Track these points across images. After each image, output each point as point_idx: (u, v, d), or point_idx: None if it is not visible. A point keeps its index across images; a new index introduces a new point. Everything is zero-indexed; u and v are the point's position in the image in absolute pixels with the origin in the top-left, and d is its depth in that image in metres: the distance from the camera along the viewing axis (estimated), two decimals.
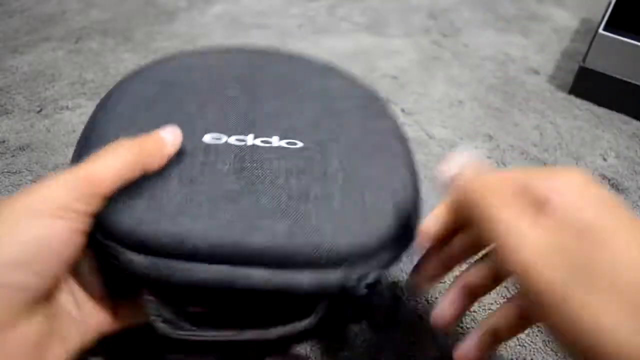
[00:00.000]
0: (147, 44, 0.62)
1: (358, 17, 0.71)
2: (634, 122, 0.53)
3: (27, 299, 0.23)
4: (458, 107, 0.55)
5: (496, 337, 0.25)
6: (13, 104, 0.52)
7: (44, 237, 0.23)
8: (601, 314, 0.18)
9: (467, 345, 0.25)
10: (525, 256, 0.20)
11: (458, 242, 0.27)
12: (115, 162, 0.25)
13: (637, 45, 0.50)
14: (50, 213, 0.23)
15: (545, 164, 0.48)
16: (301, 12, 0.72)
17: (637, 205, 0.44)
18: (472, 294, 0.26)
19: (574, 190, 0.21)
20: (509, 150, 0.49)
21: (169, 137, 0.27)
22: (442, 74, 0.60)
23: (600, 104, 0.55)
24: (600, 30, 0.52)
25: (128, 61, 0.59)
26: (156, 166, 0.27)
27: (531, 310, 0.21)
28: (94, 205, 0.24)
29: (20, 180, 0.43)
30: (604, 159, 0.49)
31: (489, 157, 0.48)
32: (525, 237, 0.20)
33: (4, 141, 0.47)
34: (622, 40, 0.50)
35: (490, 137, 0.51)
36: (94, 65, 0.58)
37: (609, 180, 0.46)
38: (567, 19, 0.71)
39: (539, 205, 0.21)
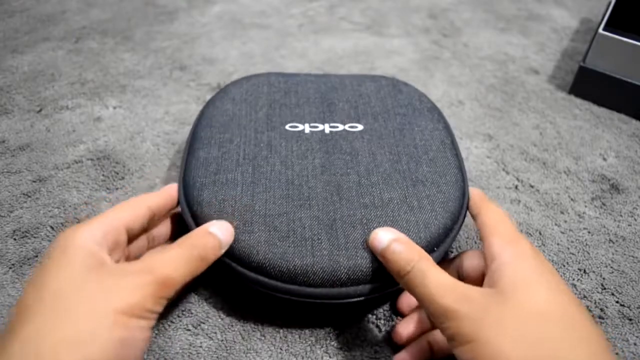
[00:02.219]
0: (147, 44, 0.62)
1: (358, 17, 0.71)
2: (634, 122, 0.53)
3: None
4: (458, 107, 0.55)
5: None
6: (13, 103, 0.52)
7: (126, 338, 0.24)
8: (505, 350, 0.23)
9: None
10: (444, 311, 0.25)
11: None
12: (185, 268, 0.27)
13: (637, 45, 0.50)
14: (132, 314, 0.24)
15: (545, 163, 0.48)
16: (301, 12, 0.72)
17: (637, 205, 0.44)
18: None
19: (516, 256, 0.28)
20: (509, 150, 0.49)
21: (222, 236, 0.31)
22: (442, 73, 0.60)
23: (600, 103, 0.55)
24: (600, 30, 0.52)
25: (128, 61, 0.59)
26: (209, 264, 0.30)
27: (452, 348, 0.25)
28: (164, 305, 0.26)
29: (20, 180, 0.43)
30: (604, 159, 0.49)
31: (489, 157, 0.48)
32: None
33: (4, 141, 0.47)
34: (622, 40, 0.50)
35: (490, 137, 0.51)
36: (94, 65, 0.58)
37: (609, 180, 0.46)
38: (567, 19, 0.71)
39: (489, 260, 0.28)
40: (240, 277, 0.32)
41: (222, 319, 0.35)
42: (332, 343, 0.33)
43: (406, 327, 0.32)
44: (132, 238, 0.31)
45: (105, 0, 0.72)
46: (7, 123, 0.49)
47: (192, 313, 0.35)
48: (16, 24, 0.65)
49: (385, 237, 0.30)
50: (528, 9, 0.74)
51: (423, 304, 0.27)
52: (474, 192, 0.35)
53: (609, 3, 0.57)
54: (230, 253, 0.32)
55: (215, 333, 0.34)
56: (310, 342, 0.33)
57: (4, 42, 0.61)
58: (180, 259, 0.28)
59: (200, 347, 0.33)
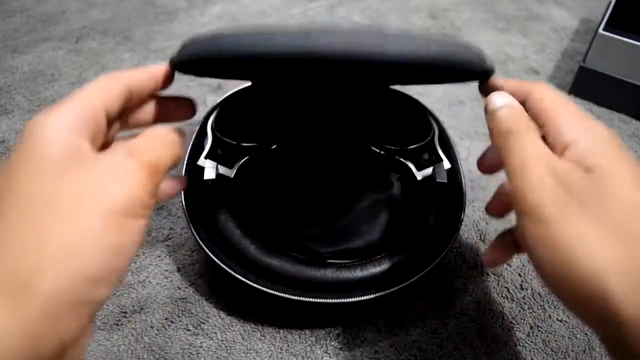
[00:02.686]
0: (147, 44, 0.62)
1: (358, 17, 0.71)
2: (634, 122, 0.53)
3: (98, 310, 0.21)
4: (458, 107, 0.55)
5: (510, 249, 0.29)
6: (13, 104, 0.52)
7: (120, 243, 0.20)
8: (590, 235, 0.20)
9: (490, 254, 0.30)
10: (530, 183, 0.22)
11: None
12: (171, 154, 0.24)
13: (637, 45, 0.50)
14: (131, 214, 0.20)
15: None
16: (301, 12, 0.72)
17: None
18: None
19: (596, 141, 0.22)
20: None
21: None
22: None
23: (600, 104, 0.55)
24: (600, 30, 0.51)
25: (128, 61, 0.59)
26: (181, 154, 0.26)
27: (524, 233, 0.22)
28: (154, 203, 0.22)
29: None
30: None
31: None
32: (535, 170, 0.22)
33: (4, 141, 0.47)
34: (622, 40, 0.50)
35: None
36: (94, 65, 0.58)
37: None
38: (567, 19, 0.71)
39: (561, 149, 0.23)
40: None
41: (222, 319, 0.35)
42: (332, 343, 0.33)
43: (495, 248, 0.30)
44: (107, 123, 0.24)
45: (105, 0, 0.72)
46: (7, 123, 0.49)
47: (192, 313, 0.35)
48: (16, 24, 0.65)
49: (501, 100, 0.26)
50: (528, 9, 0.74)
51: (510, 164, 0.23)
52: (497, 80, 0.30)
53: (609, 3, 0.57)
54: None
55: (215, 333, 0.34)
56: (310, 342, 0.33)
57: (4, 42, 0.61)
58: (159, 139, 0.24)
59: (200, 347, 0.33)
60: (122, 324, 0.34)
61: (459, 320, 0.35)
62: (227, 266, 0.32)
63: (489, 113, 0.27)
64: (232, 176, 0.37)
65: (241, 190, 0.39)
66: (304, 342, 0.33)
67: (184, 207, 0.35)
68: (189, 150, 0.40)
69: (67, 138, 0.21)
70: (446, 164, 0.39)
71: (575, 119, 0.24)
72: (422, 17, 0.71)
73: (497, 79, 0.30)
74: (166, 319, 0.34)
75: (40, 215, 0.19)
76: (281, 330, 0.34)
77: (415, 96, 0.46)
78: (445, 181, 0.38)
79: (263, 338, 0.34)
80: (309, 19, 0.70)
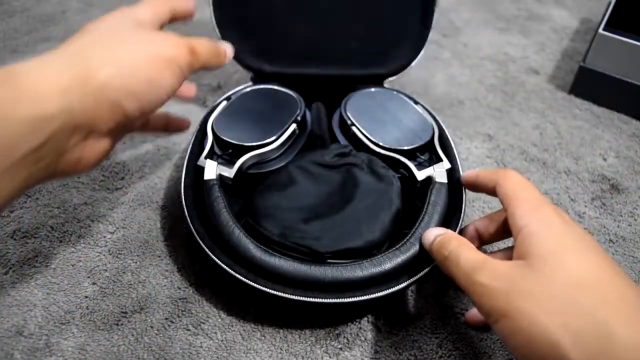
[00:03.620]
0: None
1: None
2: (634, 122, 0.53)
3: (123, 125, 0.28)
4: (458, 107, 0.55)
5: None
6: None
7: (159, 82, 0.28)
8: (540, 317, 0.23)
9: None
10: (479, 291, 0.26)
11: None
12: (206, 50, 0.32)
13: (637, 45, 0.50)
14: (168, 63, 0.28)
15: (545, 163, 0.48)
16: None
17: (637, 205, 0.44)
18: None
19: (543, 226, 0.26)
20: (509, 150, 0.49)
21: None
22: (442, 73, 0.60)
23: (600, 103, 0.55)
24: (600, 30, 0.51)
25: None
26: (220, 64, 0.34)
27: (496, 332, 0.26)
28: (184, 79, 0.30)
29: None
30: (604, 159, 0.49)
31: (489, 157, 0.48)
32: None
33: None
34: (622, 40, 0.50)
35: (490, 137, 0.51)
36: None
37: (609, 180, 0.46)
38: (567, 19, 0.71)
39: (516, 232, 0.28)
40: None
41: (222, 319, 0.35)
42: (332, 343, 0.33)
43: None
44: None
45: (105, 0, 0.72)
46: None
47: (192, 313, 0.35)
48: (16, 24, 0.65)
49: (432, 234, 0.32)
50: (528, 9, 0.74)
51: (460, 285, 0.27)
52: (472, 173, 0.35)
53: (609, 3, 0.57)
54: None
55: (215, 333, 0.34)
56: (310, 342, 0.33)
57: (4, 42, 0.61)
58: (206, 42, 0.32)
59: (200, 347, 0.33)
60: (122, 324, 0.34)
61: (459, 320, 0.35)
62: (227, 266, 0.32)
63: (428, 249, 0.31)
64: (232, 176, 0.37)
65: (241, 190, 0.39)
66: (304, 342, 0.33)
67: (184, 207, 0.35)
68: (189, 151, 0.40)
69: (141, 18, 0.30)
70: (446, 164, 0.39)
71: (528, 204, 0.27)
72: None
73: (469, 173, 0.35)
74: (166, 319, 0.34)
75: (115, 39, 0.28)
76: (281, 330, 0.34)
77: (415, 96, 0.47)
78: (446, 181, 0.38)
79: (263, 338, 0.34)
80: None
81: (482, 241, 0.34)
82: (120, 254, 0.39)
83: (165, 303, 0.35)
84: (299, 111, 0.43)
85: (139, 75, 0.27)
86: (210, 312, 0.35)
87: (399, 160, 0.40)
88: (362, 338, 0.34)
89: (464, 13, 0.72)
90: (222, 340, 0.33)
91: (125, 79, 0.26)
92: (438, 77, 0.59)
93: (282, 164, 0.40)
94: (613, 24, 0.52)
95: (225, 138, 0.39)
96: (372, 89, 0.47)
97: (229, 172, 0.37)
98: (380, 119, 0.43)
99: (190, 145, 0.40)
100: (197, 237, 0.34)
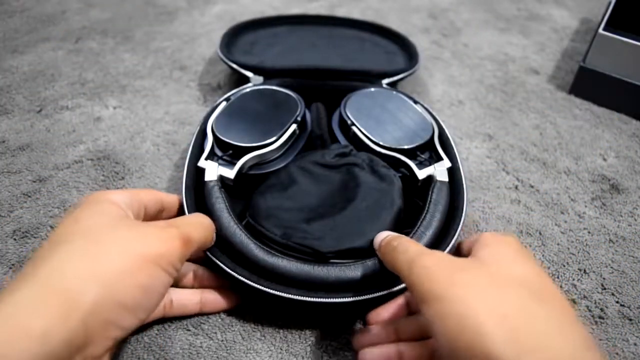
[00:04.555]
0: (147, 44, 0.62)
1: (358, 17, 0.71)
2: (634, 122, 0.53)
3: (121, 337, 0.25)
4: (458, 107, 0.55)
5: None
6: (13, 104, 0.52)
7: (149, 286, 0.25)
8: (472, 302, 0.23)
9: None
10: (420, 272, 0.26)
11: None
12: (202, 232, 0.30)
13: (637, 45, 0.50)
14: (159, 264, 0.25)
15: (545, 163, 0.48)
16: (301, 12, 0.72)
17: (637, 205, 0.44)
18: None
19: (494, 242, 0.28)
20: (509, 150, 0.49)
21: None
22: (442, 73, 0.60)
23: (600, 103, 0.55)
24: (600, 30, 0.51)
25: (128, 61, 0.59)
26: (212, 240, 0.32)
27: (425, 317, 0.25)
28: (180, 268, 0.28)
29: (20, 180, 0.43)
30: (604, 159, 0.49)
31: (489, 157, 0.48)
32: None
33: (4, 141, 0.47)
34: (622, 40, 0.50)
35: (490, 137, 0.51)
36: (94, 65, 0.58)
37: (609, 180, 0.46)
38: (567, 19, 0.71)
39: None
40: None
41: (222, 319, 0.34)
42: (332, 343, 0.33)
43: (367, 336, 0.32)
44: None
45: (105, 0, 0.72)
46: (7, 123, 0.49)
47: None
48: (16, 24, 0.65)
49: (383, 234, 0.33)
50: (528, 9, 0.74)
51: (402, 270, 0.27)
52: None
53: (609, 3, 0.57)
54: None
55: (215, 333, 0.34)
56: (310, 342, 0.33)
57: (4, 42, 0.61)
58: (198, 223, 0.30)
59: (200, 347, 0.33)
60: None
61: None
62: (229, 268, 0.32)
63: (378, 250, 0.32)
64: (232, 177, 0.37)
65: (242, 190, 0.39)
66: (304, 342, 0.33)
67: (185, 208, 0.35)
68: (189, 151, 0.40)
69: (121, 206, 0.28)
70: (447, 163, 0.39)
71: (489, 240, 0.28)
72: (422, 17, 0.71)
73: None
74: (166, 319, 0.34)
75: (94, 244, 0.24)
76: (281, 330, 0.34)
77: (414, 96, 0.47)
78: (447, 180, 0.38)
79: (263, 338, 0.34)
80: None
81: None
82: None
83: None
84: (298, 111, 0.43)
85: (128, 286, 0.24)
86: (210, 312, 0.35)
87: (399, 159, 0.40)
88: None
89: (464, 13, 0.72)
90: (222, 340, 0.33)
91: (115, 294, 0.23)
92: (438, 77, 0.59)
93: (282, 164, 0.40)
94: (613, 24, 0.52)
95: (225, 139, 0.39)
96: (372, 89, 0.47)
97: (230, 173, 0.37)
98: (380, 118, 0.43)
99: (191, 146, 0.40)
100: None
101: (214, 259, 0.33)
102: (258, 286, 0.31)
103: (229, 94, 0.46)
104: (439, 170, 0.38)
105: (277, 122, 0.42)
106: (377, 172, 0.38)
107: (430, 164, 0.39)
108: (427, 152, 0.41)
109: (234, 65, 0.51)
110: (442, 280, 0.24)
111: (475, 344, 0.21)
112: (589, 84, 0.54)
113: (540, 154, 0.49)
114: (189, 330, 0.34)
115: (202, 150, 0.39)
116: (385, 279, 0.32)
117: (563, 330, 0.22)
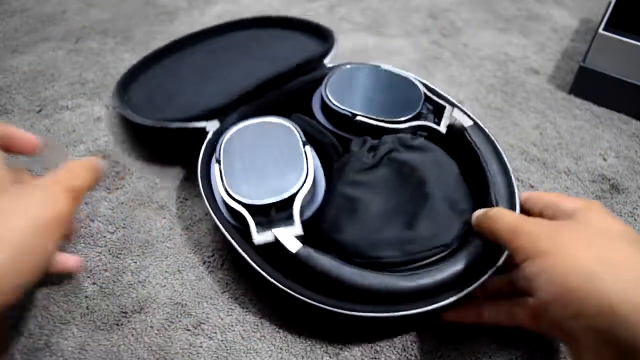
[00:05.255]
0: (147, 44, 0.62)
1: (358, 17, 0.71)
2: (634, 122, 0.53)
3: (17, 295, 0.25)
4: None
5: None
6: (13, 104, 0.52)
7: (49, 250, 0.26)
8: (577, 252, 0.26)
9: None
10: (524, 235, 0.28)
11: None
12: (88, 180, 0.30)
13: (637, 45, 0.50)
14: (55, 231, 0.26)
15: (545, 163, 0.48)
16: (301, 12, 0.72)
17: (637, 205, 0.44)
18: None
19: (580, 203, 0.31)
20: (509, 150, 0.49)
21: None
22: (442, 73, 0.60)
23: (600, 103, 0.55)
24: (600, 30, 0.51)
25: (128, 61, 0.59)
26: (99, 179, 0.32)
27: (525, 272, 0.27)
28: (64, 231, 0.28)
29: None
30: (604, 159, 0.49)
31: None
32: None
33: None
34: (622, 40, 0.50)
35: None
36: (94, 65, 0.58)
37: (609, 180, 0.46)
38: (567, 19, 0.71)
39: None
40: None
41: (222, 319, 0.35)
42: (333, 343, 0.33)
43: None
44: None
45: (105, 0, 0.72)
46: (7, 123, 0.49)
47: (191, 314, 0.35)
48: (16, 24, 0.65)
49: (478, 212, 0.34)
50: (528, 9, 0.74)
51: (501, 236, 0.30)
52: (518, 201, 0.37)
53: (609, 3, 0.57)
54: None
55: (215, 333, 0.34)
56: (310, 342, 0.33)
57: (4, 42, 0.61)
58: (80, 167, 0.30)
59: (200, 347, 0.33)
60: (122, 324, 0.34)
61: (459, 320, 0.35)
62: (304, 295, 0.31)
63: (474, 222, 0.33)
64: (302, 232, 0.34)
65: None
66: (304, 342, 0.33)
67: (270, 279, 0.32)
68: (231, 237, 0.35)
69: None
70: (449, 108, 0.41)
71: (572, 199, 0.31)
72: (422, 17, 0.71)
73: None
74: (166, 319, 0.34)
75: None
76: (281, 330, 0.34)
77: None
78: (472, 123, 0.40)
79: (263, 338, 0.34)
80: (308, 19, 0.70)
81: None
82: (120, 254, 0.39)
83: (165, 303, 0.35)
84: (295, 131, 0.39)
85: (27, 259, 0.24)
86: (210, 313, 0.35)
87: (416, 126, 0.41)
88: (362, 338, 0.34)
89: (464, 13, 0.72)
90: (222, 341, 0.33)
91: (16, 265, 0.24)
92: (438, 77, 0.59)
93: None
94: (613, 24, 0.52)
95: (265, 202, 0.34)
96: (339, 70, 0.46)
97: (297, 229, 0.33)
98: (370, 96, 0.43)
99: (229, 234, 0.34)
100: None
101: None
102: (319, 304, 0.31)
103: (203, 151, 0.40)
104: (459, 115, 0.40)
105: (292, 157, 0.37)
106: (413, 147, 0.38)
107: (435, 116, 0.41)
108: (424, 106, 0.43)
109: (175, 125, 0.41)
110: (545, 238, 0.27)
111: (583, 284, 0.24)
112: (589, 84, 0.54)
113: (540, 154, 0.49)
114: (189, 330, 0.34)
115: (242, 225, 0.34)
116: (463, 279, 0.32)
117: None
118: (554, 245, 0.26)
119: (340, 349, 0.33)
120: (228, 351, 0.33)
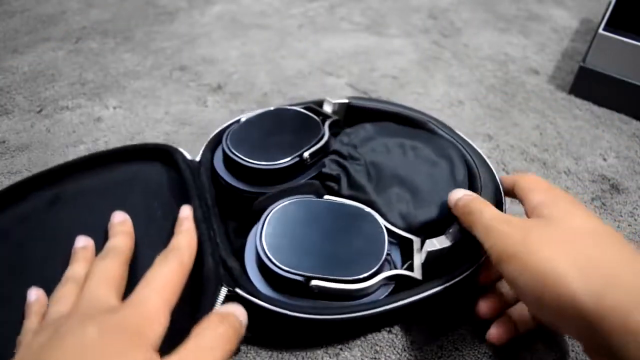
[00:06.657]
0: (147, 44, 0.62)
1: (358, 17, 0.71)
2: (634, 122, 0.53)
3: None
4: (458, 107, 0.55)
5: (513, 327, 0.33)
6: (13, 104, 0.52)
7: None
8: (549, 254, 0.25)
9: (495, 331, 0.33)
10: (495, 236, 0.29)
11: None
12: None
13: (637, 45, 0.50)
14: None
15: (545, 163, 0.48)
16: (301, 12, 0.72)
17: (637, 205, 0.44)
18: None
19: (550, 197, 0.30)
20: (509, 150, 0.49)
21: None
22: (442, 74, 0.60)
23: (600, 104, 0.55)
24: (600, 30, 0.51)
25: (128, 61, 0.59)
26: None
27: (504, 276, 0.27)
28: None
29: None
30: (604, 159, 0.49)
31: (489, 157, 0.48)
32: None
33: (4, 141, 0.47)
34: (622, 40, 0.50)
35: (490, 137, 0.51)
36: (94, 65, 0.58)
37: (609, 180, 0.46)
38: (567, 19, 0.71)
39: (530, 211, 0.31)
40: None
41: None
42: (332, 343, 0.33)
43: (487, 301, 0.34)
44: None
45: (105, 0, 0.72)
46: (7, 123, 0.49)
47: None
48: (16, 24, 0.65)
49: (458, 194, 0.34)
50: (528, 9, 0.74)
51: (478, 232, 0.30)
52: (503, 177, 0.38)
53: (609, 3, 0.57)
54: None
55: None
56: (310, 342, 0.33)
57: (4, 42, 0.61)
58: (217, 339, 0.25)
59: None
60: None
61: (459, 320, 0.35)
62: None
63: (453, 205, 0.33)
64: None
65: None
66: (304, 342, 0.33)
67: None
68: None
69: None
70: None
71: (540, 190, 0.31)
72: (422, 17, 0.71)
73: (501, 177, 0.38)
74: None
75: None
76: (281, 330, 0.34)
77: (414, 96, 0.47)
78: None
79: (263, 339, 0.34)
80: (309, 20, 0.70)
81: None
82: None
83: None
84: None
85: None
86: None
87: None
88: (362, 338, 0.34)
89: (464, 13, 0.72)
90: None
91: None
92: (438, 77, 0.59)
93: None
94: (613, 24, 0.52)
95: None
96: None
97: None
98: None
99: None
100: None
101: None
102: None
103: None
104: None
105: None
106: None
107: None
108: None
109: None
110: (517, 240, 0.27)
111: (554, 286, 0.24)
112: (589, 84, 0.54)
113: (540, 154, 0.49)
114: None
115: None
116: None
117: (635, 268, 0.25)
118: (525, 247, 0.26)
119: (340, 349, 0.33)
120: None
